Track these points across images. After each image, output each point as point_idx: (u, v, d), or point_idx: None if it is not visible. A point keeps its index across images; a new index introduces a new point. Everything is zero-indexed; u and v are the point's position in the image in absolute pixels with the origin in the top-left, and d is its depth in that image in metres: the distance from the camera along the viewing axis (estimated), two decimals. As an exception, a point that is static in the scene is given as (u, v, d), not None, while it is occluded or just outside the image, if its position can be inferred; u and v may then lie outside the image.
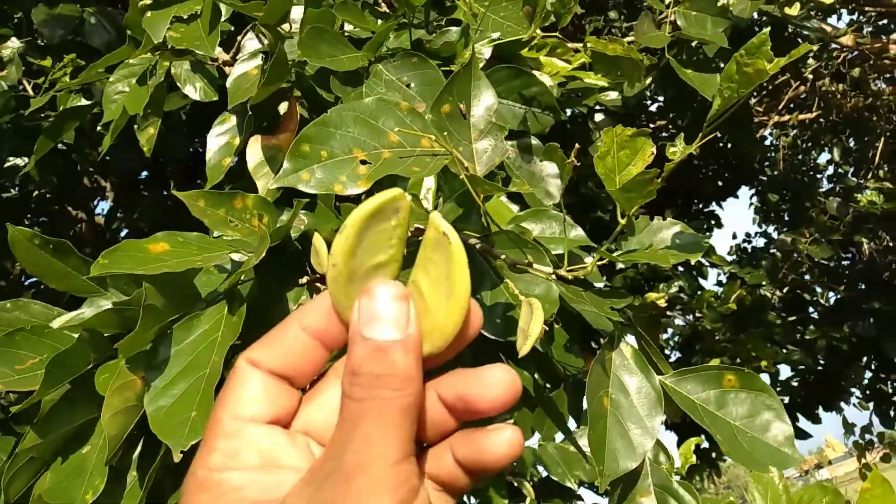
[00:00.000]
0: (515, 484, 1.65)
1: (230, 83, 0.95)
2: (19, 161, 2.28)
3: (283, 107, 1.01)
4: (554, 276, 0.63)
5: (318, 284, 0.70)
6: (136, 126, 1.20)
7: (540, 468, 1.68)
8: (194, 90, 1.20)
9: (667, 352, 4.02)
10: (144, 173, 2.91)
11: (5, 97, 2.03)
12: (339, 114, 0.58)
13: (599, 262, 0.61)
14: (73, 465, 0.69)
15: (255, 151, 0.88)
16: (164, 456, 0.66)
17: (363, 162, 0.56)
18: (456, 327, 0.33)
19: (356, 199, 0.69)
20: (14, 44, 2.09)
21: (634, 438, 0.63)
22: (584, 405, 0.61)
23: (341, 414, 0.31)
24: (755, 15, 1.62)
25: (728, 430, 0.66)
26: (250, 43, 1.20)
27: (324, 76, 0.88)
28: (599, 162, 0.56)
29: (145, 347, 0.65)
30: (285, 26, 1.00)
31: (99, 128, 2.15)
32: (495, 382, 0.32)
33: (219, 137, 0.99)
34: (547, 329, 0.59)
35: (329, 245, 0.34)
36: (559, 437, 1.66)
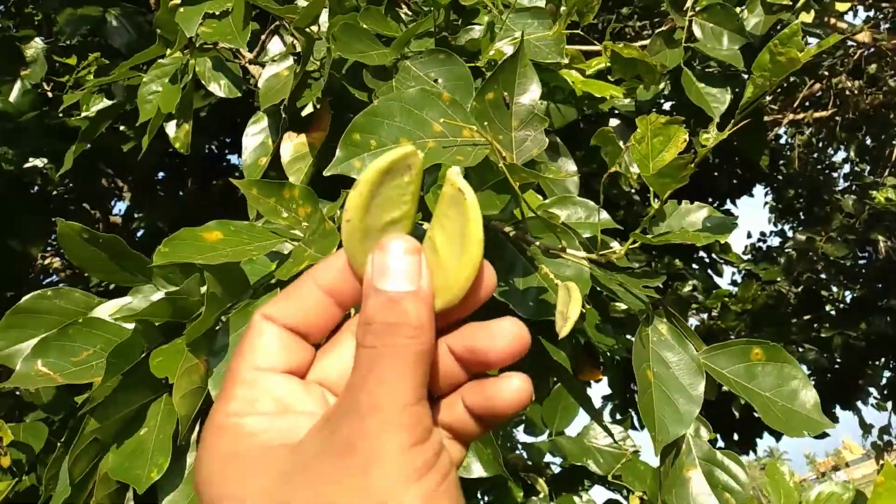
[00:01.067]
0: (529, 481, 1.67)
1: (261, 84, 0.97)
2: (38, 162, 2.31)
3: (308, 108, 1.03)
4: (586, 261, 0.64)
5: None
6: (167, 125, 1.22)
7: (553, 466, 1.70)
8: (219, 87, 1.23)
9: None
10: (161, 174, 2.94)
11: (30, 95, 2.06)
12: (385, 104, 0.60)
13: (632, 245, 0.63)
14: (133, 447, 0.71)
15: (288, 148, 0.90)
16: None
17: (408, 152, 0.58)
18: (468, 282, 0.33)
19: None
20: (38, 44, 2.12)
21: (681, 406, 0.66)
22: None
23: (355, 362, 0.32)
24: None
25: (761, 400, 0.69)
26: (274, 44, 1.22)
27: (353, 73, 0.90)
28: (635, 148, 0.57)
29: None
30: (314, 27, 1.02)
31: (122, 127, 2.18)
32: (504, 334, 0.33)
33: (254, 137, 1.02)
34: (583, 311, 0.61)
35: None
36: (570, 431, 1.68)
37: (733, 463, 0.71)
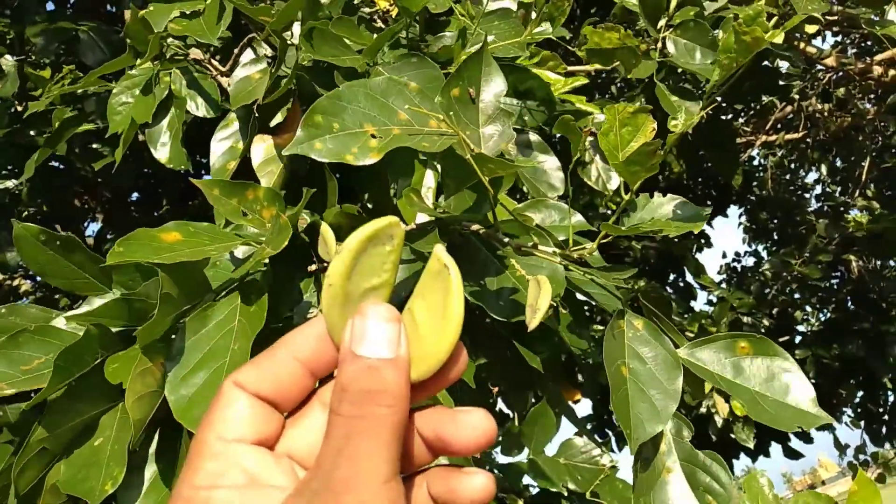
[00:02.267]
0: (506, 500, 1.65)
1: (232, 87, 0.96)
2: (10, 183, 2.28)
3: (281, 114, 1.02)
4: (558, 258, 0.63)
5: (324, 274, 0.71)
6: (155, 150, 1.20)
7: (531, 488, 1.69)
8: (195, 106, 1.22)
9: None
10: (135, 194, 2.90)
11: (1, 109, 2.04)
12: (350, 89, 0.59)
13: (603, 240, 0.62)
14: (87, 457, 0.69)
15: (259, 150, 0.89)
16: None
17: (373, 136, 0.57)
18: (445, 356, 0.33)
19: (354, 225, 0.70)
20: (9, 60, 2.10)
21: (657, 402, 0.64)
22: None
23: (329, 431, 0.31)
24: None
25: (748, 395, 0.67)
26: (247, 57, 1.21)
27: (324, 76, 0.89)
28: (603, 138, 0.57)
29: (160, 337, 0.65)
30: (287, 33, 1.01)
31: (95, 145, 2.15)
32: (472, 426, 0.33)
33: (222, 142, 1.01)
34: (554, 305, 0.60)
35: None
36: (549, 450, 1.67)
37: (716, 464, 0.69)
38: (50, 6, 2.28)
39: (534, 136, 0.84)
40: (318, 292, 0.74)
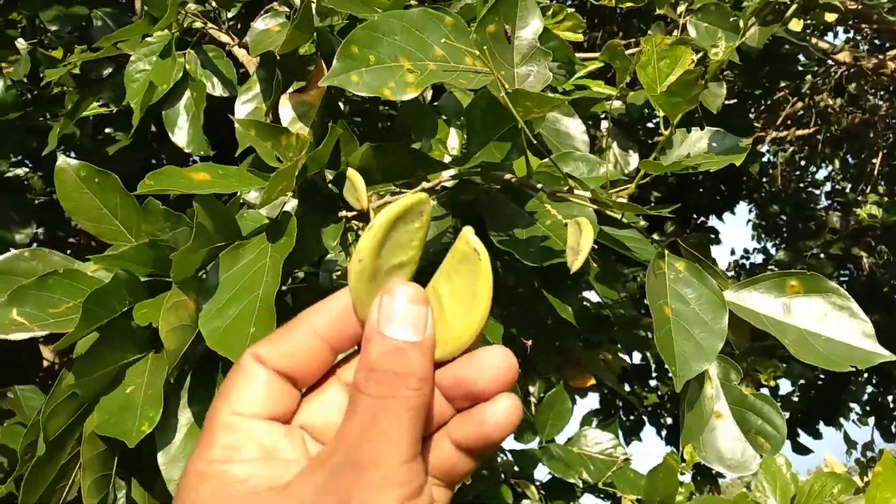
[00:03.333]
0: (519, 489, 1.65)
1: (251, 38, 0.96)
2: (20, 171, 2.28)
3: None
4: (593, 205, 0.62)
5: (355, 222, 0.70)
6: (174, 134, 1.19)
7: (543, 474, 1.69)
8: (212, 86, 1.21)
9: (665, 367, 4.02)
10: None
11: (12, 92, 2.03)
12: (385, 20, 0.59)
13: (643, 180, 0.61)
14: (119, 404, 0.68)
15: (287, 109, 0.89)
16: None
17: (410, 71, 0.56)
18: (470, 340, 0.34)
19: (385, 164, 0.69)
20: (22, 44, 2.10)
21: (702, 341, 0.62)
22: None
23: (354, 408, 0.32)
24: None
25: (797, 335, 0.64)
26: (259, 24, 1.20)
27: (347, 32, 0.89)
28: (641, 72, 0.56)
29: (195, 273, 0.65)
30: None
31: (108, 130, 2.14)
32: (493, 363, 0.33)
33: (246, 104, 1.01)
34: (595, 247, 0.59)
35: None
36: (560, 439, 1.66)
37: (767, 405, 0.67)
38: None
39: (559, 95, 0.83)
40: (346, 244, 0.73)
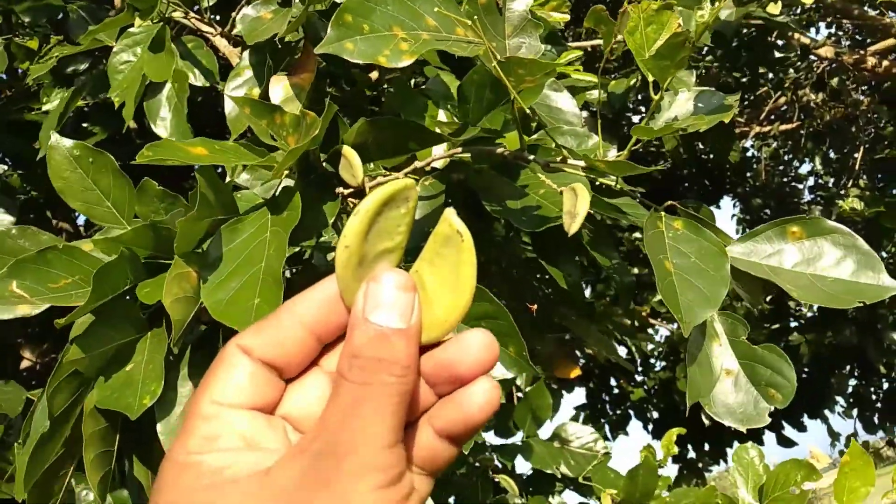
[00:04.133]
0: (497, 480, 1.65)
1: (244, 26, 0.96)
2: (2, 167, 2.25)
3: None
4: (586, 174, 0.63)
5: (351, 200, 0.71)
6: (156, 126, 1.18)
7: (524, 469, 1.69)
8: (193, 77, 1.21)
9: (651, 361, 4.05)
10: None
11: (-11, 87, 2.01)
12: (377, -10, 0.59)
13: (635, 146, 0.62)
14: (120, 381, 0.68)
15: (277, 91, 0.89)
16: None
17: (403, 40, 0.57)
18: (455, 323, 0.33)
19: (381, 138, 0.69)
20: (-3, 38, 2.07)
21: (705, 289, 0.62)
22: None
23: (336, 395, 0.31)
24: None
25: (803, 280, 0.64)
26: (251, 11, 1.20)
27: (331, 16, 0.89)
28: (629, 38, 0.57)
29: (196, 246, 0.65)
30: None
31: (85, 124, 2.13)
32: (474, 345, 0.33)
33: (236, 90, 1.01)
34: (591, 212, 0.59)
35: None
36: (542, 433, 1.67)
37: (775, 356, 0.67)
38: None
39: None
40: (340, 223, 0.73)
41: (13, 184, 2.29)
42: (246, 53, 1.03)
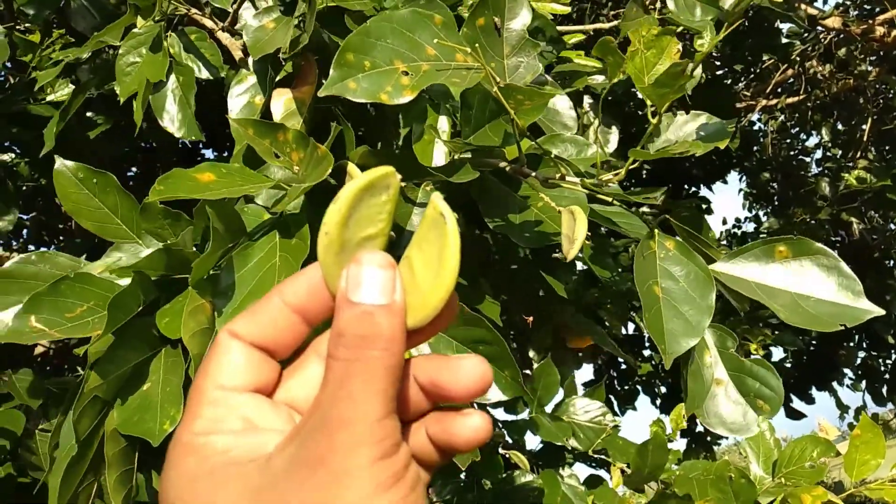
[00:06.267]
0: (508, 456, 1.67)
1: (249, 37, 0.96)
2: (6, 157, 2.26)
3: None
4: (584, 189, 0.64)
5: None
6: (162, 118, 1.18)
7: (533, 444, 1.71)
8: (197, 69, 1.20)
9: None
10: (133, 169, 2.87)
11: (-9, 78, 2.00)
12: (377, 24, 0.60)
13: (632, 165, 0.62)
14: (139, 402, 0.71)
15: (279, 104, 0.89)
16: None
17: (405, 73, 0.57)
18: (440, 304, 0.34)
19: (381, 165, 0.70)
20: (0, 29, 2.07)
21: (691, 318, 0.64)
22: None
23: (326, 375, 0.32)
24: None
25: (788, 298, 0.66)
26: (247, 10, 1.20)
27: (332, 24, 0.89)
28: (629, 62, 0.57)
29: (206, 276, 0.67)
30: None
31: (89, 113, 2.13)
32: (467, 372, 0.34)
33: (239, 98, 1.01)
34: (590, 234, 0.60)
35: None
36: (548, 409, 1.68)
37: (762, 369, 0.69)
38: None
39: (547, 77, 0.84)
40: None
41: (21, 172, 2.30)
42: (250, 59, 1.03)
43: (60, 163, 0.75)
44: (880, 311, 0.66)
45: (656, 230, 0.68)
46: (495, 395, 0.68)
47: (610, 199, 0.65)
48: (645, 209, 0.68)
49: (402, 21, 0.61)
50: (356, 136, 0.96)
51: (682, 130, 0.69)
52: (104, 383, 0.69)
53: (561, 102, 0.82)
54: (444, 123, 0.83)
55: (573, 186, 0.65)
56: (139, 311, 0.70)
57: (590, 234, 0.73)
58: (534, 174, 0.67)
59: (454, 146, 0.69)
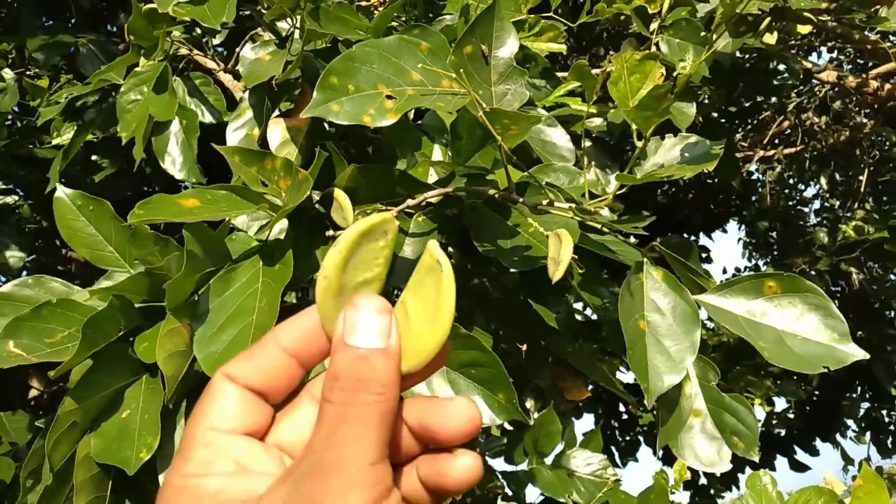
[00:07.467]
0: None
1: (244, 69, 0.98)
2: (9, 199, 2.27)
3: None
4: (573, 215, 0.64)
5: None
6: (164, 161, 1.19)
7: (533, 496, 1.68)
8: (200, 113, 1.22)
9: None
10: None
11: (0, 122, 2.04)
12: (362, 50, 0.60)
13: (620, 191, 0.63)
14: (117, 429, 0.70)
15: (275, 134, 0.90)
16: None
17: (389, 97, 0.58)
18: (434, 350, 0.34)
19: (372, 183, 0.70)
20: (9, 73, 2.11)
21: (675, 354, 0.63)
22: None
23: (320, 418, 0.32)
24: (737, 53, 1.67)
25: (774, 335, 0.65)
26: (248, 52, 1.22)
27: (329, 56, 0.90)
28: (613, 87, 0.58)
29: (187, 298, 0.66)
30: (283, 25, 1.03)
31: (94, 157, 2.15)
32: (457, 414, 0.34)
33: (237, 131, 1.02)
34: (576, 257, 0.61)
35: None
36: (549, 460, 1.66)
37: (741, 406, 0.68)
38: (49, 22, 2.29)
39: (541, 109, 0.85)
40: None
41: (24, 213, 2.31)
42: (247, 94, 1.05)
43: (61, 190, 0.77)
44: (864, 355, 0.65)
45: (646, 260, 0.68)
46: (489, 418, 0.67)
47: (600, 227, 0.65)
48: (633, 239, 0.68)
49: (388, 47, 0.62)
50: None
51: (670, 154, 0.69)
52: (79, 408, 0.68)
53: (557, 135, 0.83)
54: (437, 153, 0.84)
55: (562, 213, 0.65)
56: (121, 336, 0.70)
57: (577, 257, 0.74)
58: (521, 200, 0.67)
59: (446, 167, 0.69)
